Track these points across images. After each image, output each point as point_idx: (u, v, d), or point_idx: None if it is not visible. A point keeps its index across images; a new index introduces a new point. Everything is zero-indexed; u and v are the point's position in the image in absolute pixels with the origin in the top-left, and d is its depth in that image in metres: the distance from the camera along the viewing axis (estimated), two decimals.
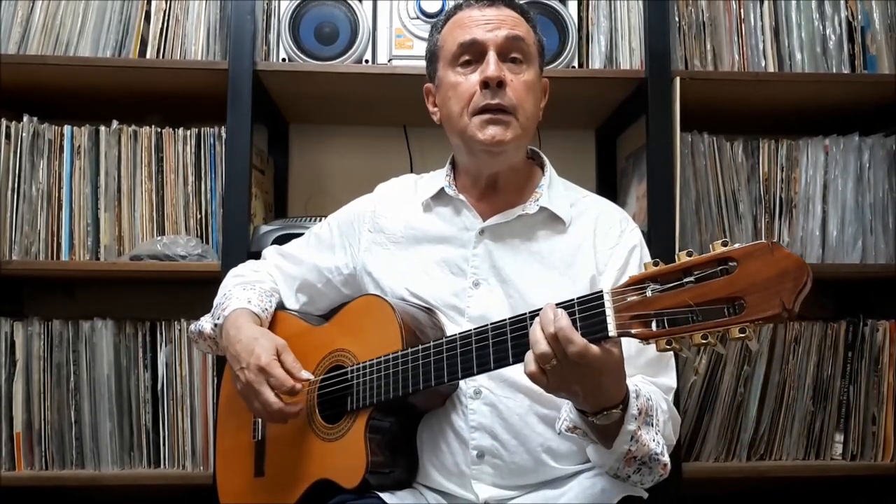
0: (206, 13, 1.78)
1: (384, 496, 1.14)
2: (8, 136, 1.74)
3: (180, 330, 1.74)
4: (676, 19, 1.81)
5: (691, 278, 0.86)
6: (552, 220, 1.26)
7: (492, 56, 1.19)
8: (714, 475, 1.77)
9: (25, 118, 1.74)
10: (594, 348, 0.92)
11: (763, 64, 1.82)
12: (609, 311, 0.92)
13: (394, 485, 1.18)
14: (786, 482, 1.87)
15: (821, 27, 1.84)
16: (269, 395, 1.17)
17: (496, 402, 1.16)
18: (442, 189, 1.29)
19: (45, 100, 1.86)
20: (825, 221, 1.81)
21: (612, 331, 0.91)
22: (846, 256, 1.80)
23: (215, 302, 1.37)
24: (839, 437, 1.78)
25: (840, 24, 1.84)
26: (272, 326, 1.34)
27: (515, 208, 1.25)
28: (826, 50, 1.83)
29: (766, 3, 1.84)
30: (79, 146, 1.75)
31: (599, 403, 0.99)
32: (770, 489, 1.94)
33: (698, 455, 1.78)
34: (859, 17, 1.84)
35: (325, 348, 1.26)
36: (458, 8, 1.27)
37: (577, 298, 0.95)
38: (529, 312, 1.00)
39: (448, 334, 1.19)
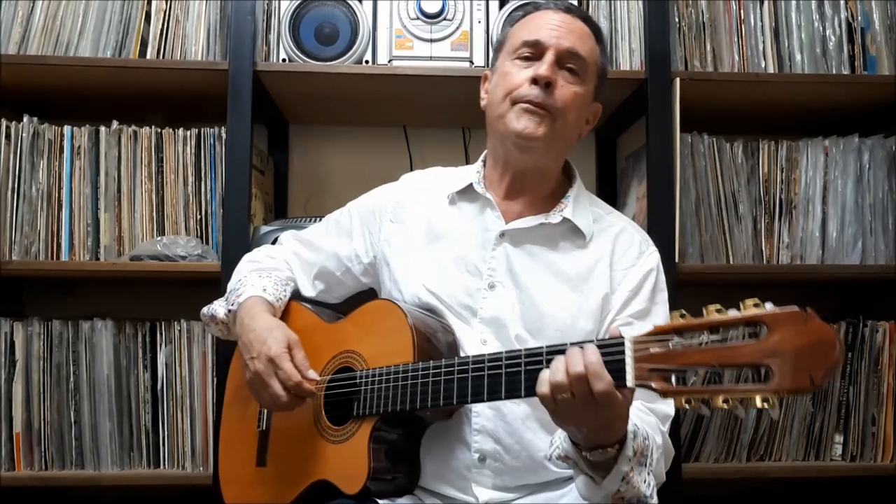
0: (206, 13, 1.78)
1: (383, 503, 1.15)
2: (8, 136, 1.74)
3: (180, 330, 1.74)
4: (676, 20, 1.81)
5: (717, 336, 0.84)
6: (573, 234, 1.25)
7: (549, 57, 1.21)
8: (714, 476, 1.77)
9: (25, 118, 1.74)
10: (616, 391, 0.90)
11: (763, 65, 1.82)
12: (629, 360, 0.89)
13: (394, 491, 1.18)
14: (785, 483, 1.87)
15: (821, 28, 1.84)
16: (277, 388, 1.17)
17: (500, 406, 1.16)
18: (470, 184, 1.29)
19: (45, 100, 1.86)
20: (825, 222, 1.81)
21: (629, 381, 0.89)
22: (846, 257, 1.80)
23: (229, 287, 1.37)
24: (839, 438, 1.78)
25: (840, 25, 1.84)
26: (284, 316, 1.33)
27: (538, 216, 1.25)
28: (826, 51, 1.83)
29: (766, 4, 1.84)
30: (79, 146, 1.75)
31: (598, 442, 0.97)
32: (770, 490, 1.94)
33: (698, 455, 1.78)
34: (859, 17, 1.84)
35: (336, 348, 1.25)
36: (535, 7, 1.30)
37: (598, 340, 0.93)
38: (546, 347, 0.98)
39: (459, 337, 1.20)
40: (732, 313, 0.83)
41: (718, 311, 0.84)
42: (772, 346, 0.80)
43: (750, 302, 0.82)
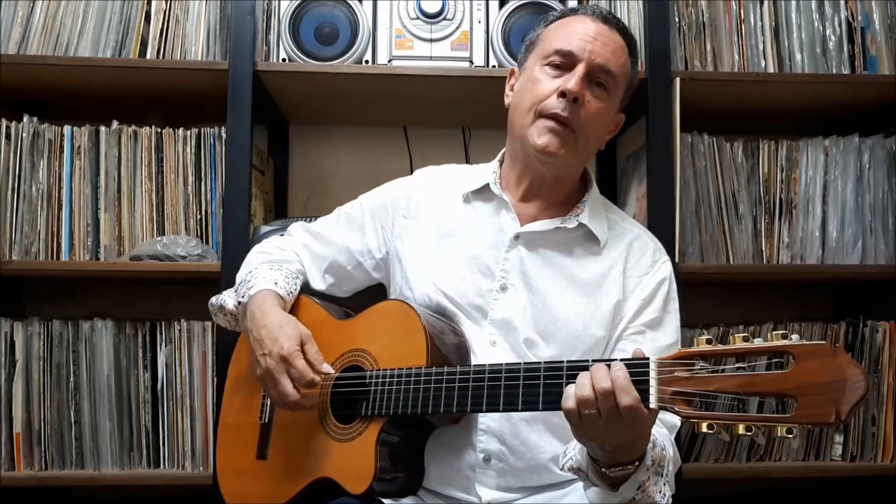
0: (206, 13, 1.78)
1: (387, 502, 1.14)
2: (8, 136, 1.74)
3: (180, 330, 1.74)
4: (676, 20, 1.81)
5: (743, 364, 0.84)
6: (588, 239, 1.25)
7: (580, 70, 1.19)
8: (714, 476, 1.77)
9: (25, 118, 1.74)
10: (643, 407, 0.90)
11: (763, 64, 1.82)
12: (653, 382, 0.89)
13: (398, 492, 1.18)
14: (785, 483, 1.87)
15: (821, 28, 1.84)
16: (288, 386, 1.16)
17: None
18: (486, 185, 1.28)
19: (45, 100, 1.86)
20: (825, 222, 1.81)
21: (652, 403, 0.89)
22: (846, 257, 1.80)
23: (239, 278, 1.35)
24: (839, 439, 1.78)
25: (840, 25, 1.84)
26: (294, 310, 1.32)
27: (554, 219, 1.24)
28: (826, 50, 1.83)
29: (766, 4, 1.84)
30: (79, 146, 1.75)
31: (619, 459, 0.97)
32: (769, 490, 1.94)
33: (698, 456, 1.78)
34: (859, 17, 1.84)
35: (345, 345, 1.24)
36: (574, 11, 1.28)
37: (622, 360, 0.93)
38: (567, 362, 0.98)
39: (468, 338, 1.19)
40: (758, 342, 0.84)
41: (745, 339, 0.85)
42: (798, 377, 0.80)
43: (777, 333, 0.83)
